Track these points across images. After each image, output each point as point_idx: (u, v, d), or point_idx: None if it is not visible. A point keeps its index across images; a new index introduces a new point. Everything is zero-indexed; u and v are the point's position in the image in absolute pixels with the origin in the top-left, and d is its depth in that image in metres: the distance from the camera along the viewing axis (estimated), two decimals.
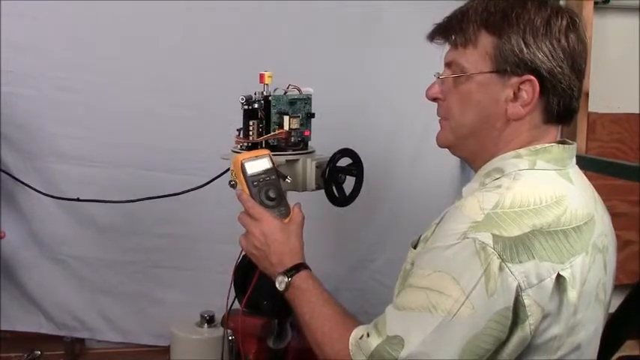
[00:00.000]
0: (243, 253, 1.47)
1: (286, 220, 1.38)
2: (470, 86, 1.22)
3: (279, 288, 1.32)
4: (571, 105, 1.22)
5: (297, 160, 1.50)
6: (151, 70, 2.08)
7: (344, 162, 1.54)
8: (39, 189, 1.94)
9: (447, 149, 1.33)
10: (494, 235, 1.09)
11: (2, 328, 2.15)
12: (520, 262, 1.08)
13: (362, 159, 1.57)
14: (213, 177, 1.58)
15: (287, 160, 1.48)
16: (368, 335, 1.16)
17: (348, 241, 2.25)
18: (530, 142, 1.22)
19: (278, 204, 1.38)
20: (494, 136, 1.23)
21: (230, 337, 1.56)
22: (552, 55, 1.18)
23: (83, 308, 2.19)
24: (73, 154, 2.09)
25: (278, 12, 2.12)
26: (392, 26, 2.21)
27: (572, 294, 1.13)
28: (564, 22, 1.19)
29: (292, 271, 1.32)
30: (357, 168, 1.55)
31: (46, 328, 2.19)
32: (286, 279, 1.31)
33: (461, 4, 1.26)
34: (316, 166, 1.50)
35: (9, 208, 2.10)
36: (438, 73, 1.29)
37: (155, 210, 1.96)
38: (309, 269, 1.34)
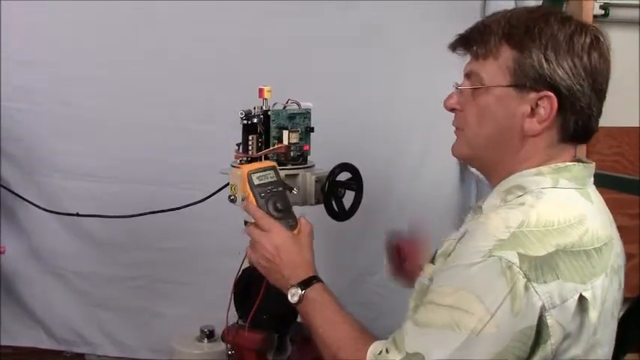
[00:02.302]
0: (243, 267, 1.49)
1: (295, 232, 1.37)
2: (487, 99, 1.22)
3: (291, 300, 1.30)
4: (589, 125, 1.21)
5: (297, 174, 1.51)
6: (151, 85, 2.09)
7: (343, 176, 1.54)
8: (39, 204, 1.95)
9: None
10: (520, 255, 1.08)
11: (3, 344, 2.15)
12: (545, 282, 1.08)
13: (361, 173, 1.57)
14: (213, 192, 1.58)
15: (287, 175, 1.48)
16: (387, 351, 1.15)
17: (348, 255, 2.25)
18: (549, 160, 1.22)
19: (286, 216, 1.37)
20: (511, 152, 1.22)
21: (230, 352, 1.56)
22: (573, 73, 1.17)
23: (83, 323, 2.20)
24: (73, 169, 2.10)
25: (277, 27, 2.13)
26: (392, 37, 2.22)
27: (593, 314, 1.13)
28: (587, 40, 1.18)
29: (306, 283, 1.30)
30: (356, 182, 1.55)
31: (47, 344, 2.20)
32: (300, 291, 1.29)
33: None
34: (316, 181, 1.50)
35: (9, 224, 2.11)
36: (457, 83, 1.29)
37: (155, 224, 1.93)
38: (322, 282, 1.33)
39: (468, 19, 2.21)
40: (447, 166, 2.34)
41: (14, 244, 2.10)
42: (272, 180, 1.40)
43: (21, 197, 1.95)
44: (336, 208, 1.53)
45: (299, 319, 1.50)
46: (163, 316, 2.20)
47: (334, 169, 1.51)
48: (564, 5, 2.14)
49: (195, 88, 2.10)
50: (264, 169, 1.40)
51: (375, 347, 1.18)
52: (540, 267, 1.08)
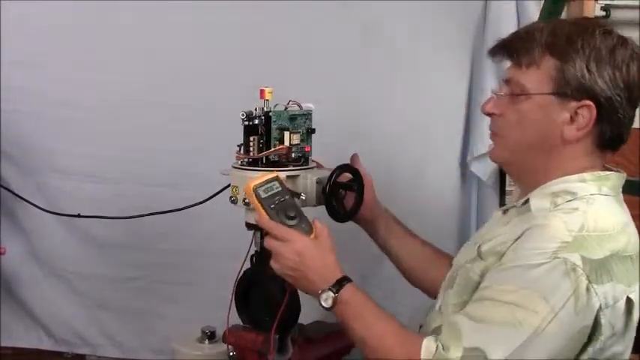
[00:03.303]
0: (244, 268, 1.50)
1: (312, 236, 1.37)
2: (529, 105, 1.28)
3: (325, 305, 1.30)
4: (623, 134, 1.30)
5: (298, 175, 1.51)
6: (152, 86, 2.09)
7: (344, 178, 1.55)
8: (39, 205, 1.95)
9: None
10: (582, 257, 1.16)
11: (3, 345, 2.15)
12: (602, 283, 1.16)
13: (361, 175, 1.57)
14: (214, 193, 1.59)
15: (287, 176, 1.49)
16: (444, 349, 1.17)
17: (349, 256, 2.18)
18: (586, 167, 1.29)
19: (299, 222, 1.39)
20: (549, 157, 1.29)
21: (231, 353, 1.57)
22: (613, 84, 1.24)
23: (84, 324, 2.20)
24: (73, 170, 2.10)
25: (278, 27, 2.14)
26: (393, 37, 2.23)
27: (636, 315, 1.23)
28: (628, 53, 1.26)
29: (337, 285, 1.31)
30: (357, 183, 1.55)
31: (47, 345, 2.20)
32: (332, 295, 1.29)
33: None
34: (317, 182, 1.51)
35: (9, 225, 2.11)
36: (494, 89, 1.36)
37: (156, 225, 1.96)
38: (352, 281, 1.33)
39: (469, 18, 2.26)
40: (447, 166, 2.36)
41: (14, 246, 2.10)
42: (278, 190, 1.41)
43: (21, 198, 1.96)
44: (337, 209, 1.54)
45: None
46: (164, 317, 2.20)
47: (335, 170, 1.52)
48: (565, 6, 2.15)
49: (196, 89, 2.10)
50: (269, 181, 1.41)
51: (427, 345, 1.20)
52: (599, 269, 1.16)
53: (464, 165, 2.37)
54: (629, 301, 1.20)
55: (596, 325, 1.17)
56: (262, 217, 1.37)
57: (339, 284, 1.31)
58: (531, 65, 1.28)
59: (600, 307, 1.16)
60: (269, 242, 1.37)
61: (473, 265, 1.30)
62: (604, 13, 2.35)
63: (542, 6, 2.11)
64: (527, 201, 1.32)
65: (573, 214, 1.22)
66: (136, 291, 2.19)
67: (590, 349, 1.19)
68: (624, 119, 1.27)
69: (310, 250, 1.34)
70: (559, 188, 1.28)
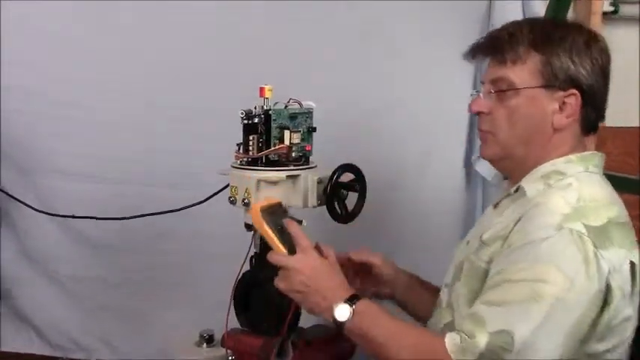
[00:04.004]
0: (243, 270, 1.50)
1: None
2: (519, 100, 1.37)
3: (340, 319, 1.31)
4: (602, 116, 1.42)
5: (299, 175, 1.50)
6: (151, 85, 2.09)
7: (346, 177, 1.53)
8: (34, 205, 1.94)
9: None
10: (585, 225, 1.24)
11: None
12: (606, 248, 1.24)
13: (365, 174, 1.56)
14: (212, 193, 1.58)
15: (288, 176, 1.48)
16: (469, 336, 1.21)
17: None
18: (571, 150, 1.39)
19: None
20: (540, 145, 1.38)
21: (230, 358, 1.55)
22: (592, 72, 1.36)
23: (79, 328, 2.19)
24: (70, 170, 2.09)
25: (278, 25, 2.13)
26: (394, 36, 2.23)
27: (638, 278, 1.30)
28: (600, 45, 1.39)
29: (353, 299, 1.33)
30: (359, 183, 1.54)
31: (41, 349, 2.19)
32: (349, 307, 1.32)
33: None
34: (318, 182, 1.50)
35: (3, 225, 2.10)
36: (476, 90, 1.44)
37: (153, 226, 1.96)
38: (364, 298, 1.36)
39: (472, 17, 2.26)
40: (451, 165, 2.36)
41: (8, 247, 2.11)
42: (281, 215, 1.45)
43: (15, 198, 1.95)
44: (338, 210, 1.52)
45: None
46: (161, 321, 2.20)
47: (336, 170, 1.51)
48: (572, 4, 2.15)
49: (195, 88, 2.10)
50: (273, 206, 1.45)
51: (451, 338, 1.23)
52: (600, 235, 1.24)
53: (468, 164, 2.37)
54: (632, 265, 1.27)
55: (608, 289, 1.23)
56: (273, 254, 1.40)
57: (353, 298, 1.34)
58: (517, 62, 1.37)
59: (609, 270, 1.23)
60: (279, 258, 1.39)
61: (478, 254, 1.36)
62: (612, 9, 2.36)
63: (548, 4, 2.11)
64: (518, 189, 1.39)
65: (568, 189, 1.31)
66: (132, 294, 2.19)
67: (605, 315, 1.24)
68: (602, 102, 1.40)
69: (324, 268, 1.38)
70: (548, 170, 1.37)
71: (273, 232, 1.41)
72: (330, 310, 1.33)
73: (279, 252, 1.40)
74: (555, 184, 1.35)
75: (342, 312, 1.31)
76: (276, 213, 1.44)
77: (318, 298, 1.35)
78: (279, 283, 1.39)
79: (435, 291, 1.60)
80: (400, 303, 1.63)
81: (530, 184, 1.37)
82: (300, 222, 1.45)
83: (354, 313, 1.31)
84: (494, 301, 1.23)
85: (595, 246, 1.23)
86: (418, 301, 1.63)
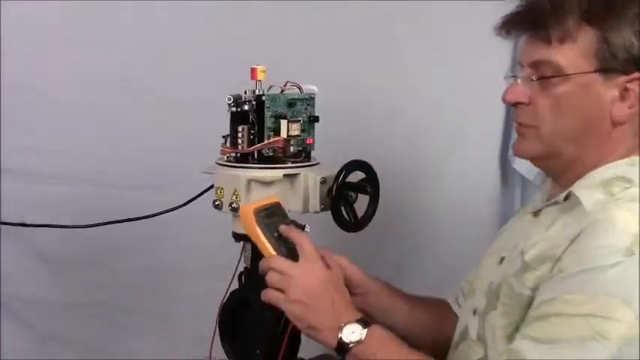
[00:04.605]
0: (232, 289, 1.50)
1: None
2: (567, 88, 1.31)
3: (347, 339, 1.32)
4: None
5: (298, 174, 1.50)
6: (121, 66, 2.09)
7: (355, 177, 1.54)
8: None
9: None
10: None
11: None
12: None
13: (377, 172, 1.57)
14: (193, 196, 1.59)
15: (285, 175, 1.49)
16: None
17: None
18: (633, 149, 1.35)
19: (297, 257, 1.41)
20: (598, 143, 1.34)
21: None
22: None
23: None
24: (20, 169, 2.08)
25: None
26: (421, 14, 2.25)
27: None
28: None
29: (365, 321, 1.34)
30: (371, 184, 1.55)
31: None
32: (362, 328, 1.32)
33: None
34: (321, 182, 1.50)
35: None
36: (513, 74, 1.38)
37: (122, 237, 1.97)
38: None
39: None
40: (484, 163, 2.39)
41: None
42: (279, 216, 1.44)
43: None
44: (346, 216, 1.53)
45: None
46: (133, 352, 2.20)
47: (344, 167, 1.51)
48: None
49: (174, 71, 2.11)
50: (269, 207, 1.43)
51: None
52: None
53: (504, 162, 2.36)
54: None
55: None
56: (267, 260, 1.39)
57: (365, 320, 1.35)
58: (565, 40, 1.30)
59: None
60: (281, 263, 1.38)
61: (521, 278, 1.33)
62: None
63: None
64: (569, 196, 1.35)
65: (637, 203, 1.25)
66: (95, 319, 2.18)
67: None
68: None
69: (333, 281, 1.38)
70: (609, 175, 1.33)
71: (267, 239, 1.40)
72: (336, 329, 1.32)
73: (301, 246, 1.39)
74: (620, 193, 1.30)
75: (352, 333, 1.32)
76: (273, 216, 1.42)
77: (322, 315, 1.35)
78: (272, 293, 1.36)
79: (408, 299, 1.62)
80: (370, 312, 1.59)
81: (587, 191, 1.32)
82: (302, 227, 1.45)
83: (365, 336, 1.31)
84: (541, 338, 1.21)
85: None
86: (392, 309, 1.62)
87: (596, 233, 1.24)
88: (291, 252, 1.39)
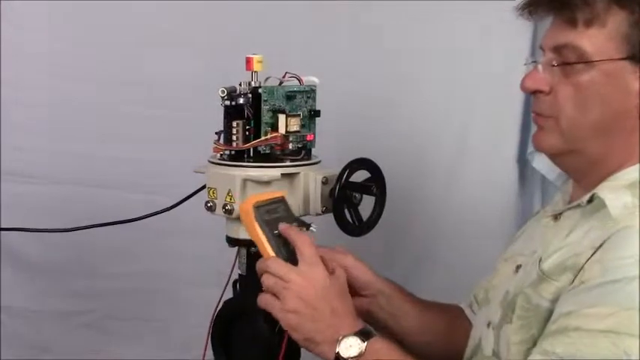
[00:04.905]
0: (225, 298, 1.48)
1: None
2: (593, 76, 1.28)
3: (345, 354, 1.30)
4: None
5: (298, 173, 1.49)
6: (106, 57, 2.10)
7: (359, 176, 1.53)
8: None
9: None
10: None
11: None
12: None
13: (384, 171, 1.55)
14: (184, 197, 1.57)
15: (283, 174, 1.47)
16: None
17: None
18: None
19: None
20: (625, 139, 1.30)
21: None
22: None
23: None
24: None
25: None
26: None
27: None
28: None
29: (366, 333, 1.32)
30: (377, 184, 1.53)
31: None
32: (361, 342, 1.30)
33: None
34: (323, 182, 1.49)
35: None
36: (533, 60, 1.35)
37: (108, 242, 1.98)
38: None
39: None
40: (501, 161, 2.36)
41: None
42: (284, 214, 1.41)
43: None
44: (349, 219, 1.52)
45: None
46: None
47: (347, 166, 1.50)
48: None
49: (162, 61, 2.11)
50: (272, 202, 1.40)
51: None
52: None
53: (522, 160, 2.36)
54: None
55: None
56: (263, 261, 1.37)
57: (367, 332, 1.33)
58: (593, 22, 1.27)
59: None
60: (278, 265, 1.35)
61: (538, 289, 1.30)
62: None
63: None
64: (592, 198, 1.32)
65: None
66: (82, 329, 2.20)
67: None
68: None
69: (335, 286, 1.36)
70: (638, 176, 1.29)
71: (267, 238, 1.37)
72: (334, 343, 1.31)
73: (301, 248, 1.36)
74: None
75: (350, 347, 1.30)
76: (275, 212, 1.40)
77: (320, 326, 1.33)
78: (266, 299, 1.35)
79: (419, 303, 1.60)
80: (378, 315, 1.59)
81: (613, 194, 1.29)
82: (307, 226, 1.42)
83: (365, 351, 1.30)
84: (560, 354, 1.18)
85: None
86: (402, 313, 1.60)
87: (623, 242, 1.21)
88: (292, 254, 1.37)
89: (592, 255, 1.23)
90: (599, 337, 1.15)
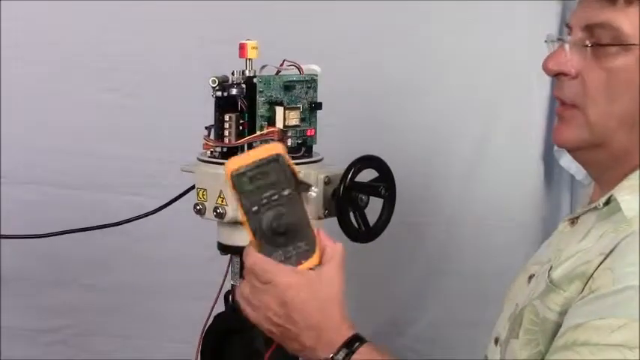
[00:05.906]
0: (216, 311, 1.49)
1: (310, 263, 1.27)
2: (628, 61, 1.26)
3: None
4: None
5: (298, 172, 1.49)
6: (82, 41, 2.11)
7: (366, 176, 1.54)
8: None
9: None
10: None
11: None
12: None
13: (393, 171, 1.57)
14: (170, 199, 1.58)
15: None
16: None
17: (374, 293, 2.26)
18: None
19: (293, 238, 1.25)
20: None
21: None
22: None
23: None
24: None
25: None
26: None
27: None
28: None
29: (353, 342, 1.26)
30: (385, 185, 1.54)
31: None
32: (344, 354, 1.25)
33: None
34: (325, 182, 1.50)
35: None
36: (558, 37, 1.34)
37: (85, 249, 1.99)
38: (365, 340, 1.28)
39: None
40: (524, 159, 2.36)
41: None
42: (274, 180, 1.23)
43: None
44: (355, 224, 1.53)
45: None
46: None
47: (352, 164, 1.51)
48: None
49: (146, 46, 2.12)
50: (262, 163, 1.21)
51: None
52: None
53: (549, 158, 2.37)
54: None
55: None
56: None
57: (348, 349, 1.27)
58: (633, 1, 1.25)
59: None
60: (260, 263, 1.25)
61: (545, 300, 1.30)
62: None
63: None
64: (609, 200, 1.31)
65: None
66: (55, 347, 2.20)
67: None
68: None
69: (301, 300, 1.26)
70: None
71: (247, 216, 1.21)
72: (317, 355, 1.27)
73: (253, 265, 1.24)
74: None
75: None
76: (262, 177, 1.21)
77: (295, 345, 1.29)
78: (240, 296, 1.28)
79: None
80: None
81: (630, 196, 1.28)
82: (307, 188, 1.28)
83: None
84: None
85: None
86: None
87: (636, 246, 1.20)
88: (269, 227, 1.22)
89: (602, 261, 1.23)
90: (609, 351, 1.15)
